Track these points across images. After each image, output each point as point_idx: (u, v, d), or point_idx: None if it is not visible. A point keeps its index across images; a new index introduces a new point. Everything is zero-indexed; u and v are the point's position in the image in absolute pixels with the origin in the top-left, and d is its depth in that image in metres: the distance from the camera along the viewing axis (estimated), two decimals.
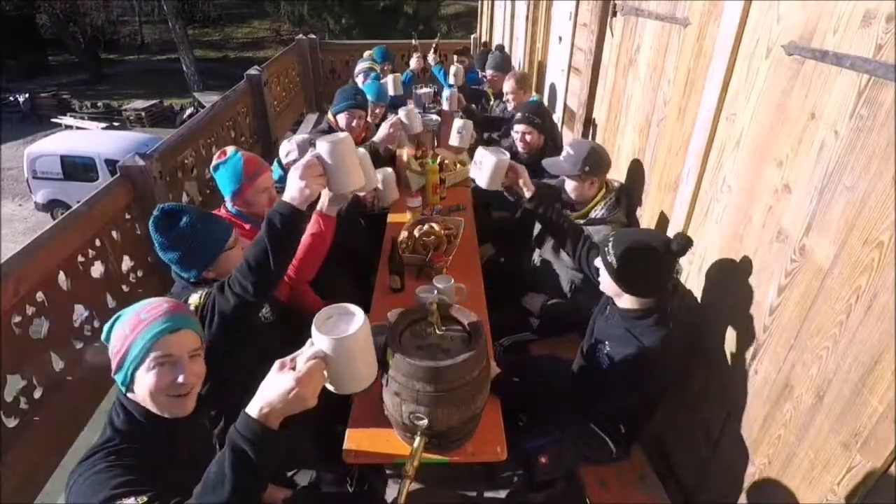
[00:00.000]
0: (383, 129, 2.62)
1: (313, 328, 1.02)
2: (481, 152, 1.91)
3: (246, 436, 0.94)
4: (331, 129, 2.95)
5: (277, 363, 1.00)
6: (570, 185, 2.21)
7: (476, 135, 3.25)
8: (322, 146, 1.41)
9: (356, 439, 1.59)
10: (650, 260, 1.50)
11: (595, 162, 2.11)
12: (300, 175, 1.37)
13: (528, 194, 1.94)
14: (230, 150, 1.99)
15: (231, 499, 0.92)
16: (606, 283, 1.62)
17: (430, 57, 5.11)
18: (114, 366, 1.12)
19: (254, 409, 0.96)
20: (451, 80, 4.10)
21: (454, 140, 3.03)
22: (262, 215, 2.04)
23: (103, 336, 1.14)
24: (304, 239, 2.01)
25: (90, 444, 1.11)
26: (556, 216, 1.97)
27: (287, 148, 2.34)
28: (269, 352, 1.48)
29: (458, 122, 3.00)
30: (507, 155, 1.91)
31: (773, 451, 1.39)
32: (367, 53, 4.74)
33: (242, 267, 1.39)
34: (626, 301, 1.59)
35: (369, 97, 3.24)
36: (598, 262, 1.64)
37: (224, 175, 1.97)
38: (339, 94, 2.99)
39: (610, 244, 1.57)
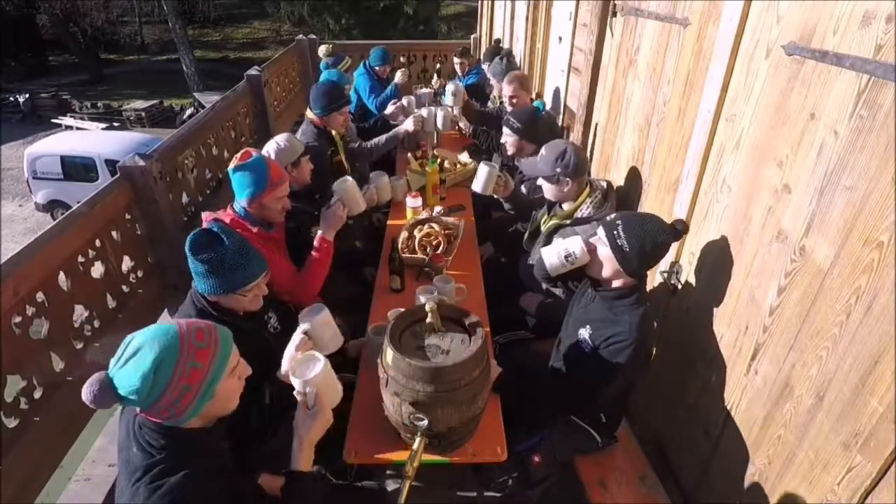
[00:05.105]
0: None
1: (295, 378, 1.31)
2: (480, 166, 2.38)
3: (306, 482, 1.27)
4: (317, 129, 2.92)
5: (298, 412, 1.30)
6: (545, 186, 2.20)
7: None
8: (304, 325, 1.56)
9: (356, 439, 1.59)
10: (663, 244, 1.57)
11: (567, 164, 2.07)
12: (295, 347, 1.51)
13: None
14: (253, 152, 1.98)
15: None
16: (607, 267, 1.62)
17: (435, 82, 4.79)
18: (182, 406, 1.08)
19: (296, 462, 1.26)
20: (450, 101, 3.62)
21: (476, 186, 2.49)
22: (273, 221, 2.06)
23: (145, 391, 1.04)
24: (312, 264, 2.12)
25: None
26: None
27: (272, 149, 2.32)
28: (277, 362, 1.52)
29: (483, 169, 2.45)
30: (496, 167, 2.39)
31: (773, 452, 1.39)
32: (322, 50, 4.29)
33: None
34: (615, 282, 1.64)
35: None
36: (602, 247, 1.62)
37: (246, 177, 1.93)
38: (329, 94, 2.91)
39: (619, 228, 1.56)
